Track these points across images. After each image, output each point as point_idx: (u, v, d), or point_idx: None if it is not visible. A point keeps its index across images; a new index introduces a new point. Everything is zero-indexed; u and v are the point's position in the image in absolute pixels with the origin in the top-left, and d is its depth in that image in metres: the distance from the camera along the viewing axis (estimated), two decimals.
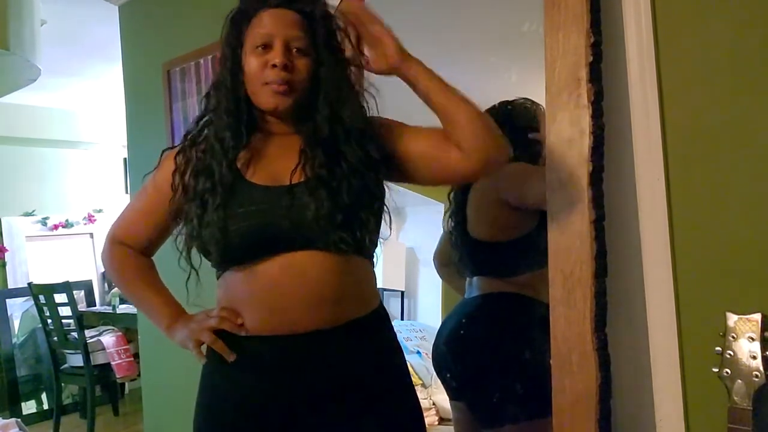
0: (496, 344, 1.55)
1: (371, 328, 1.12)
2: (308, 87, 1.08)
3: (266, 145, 1.12)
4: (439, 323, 1.86)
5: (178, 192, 1.12)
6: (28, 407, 4.23)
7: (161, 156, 1.20)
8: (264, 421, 1.07)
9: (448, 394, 1.71)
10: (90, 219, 4.89)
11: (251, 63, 1.07)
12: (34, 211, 4.59)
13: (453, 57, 1.79)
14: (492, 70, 1.79)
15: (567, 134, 1.22)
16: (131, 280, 1.24)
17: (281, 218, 1.03)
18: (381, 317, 1.16)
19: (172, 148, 1.19)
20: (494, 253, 1.58)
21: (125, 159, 3.42)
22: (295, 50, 1.06)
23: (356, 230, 1.04)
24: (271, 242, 1.03)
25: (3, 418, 2.37)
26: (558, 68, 1.24)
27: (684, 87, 1.17)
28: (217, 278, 1.14)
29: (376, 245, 1.13)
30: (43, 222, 4.63)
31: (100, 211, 4.95)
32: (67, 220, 4.76)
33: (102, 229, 4.96)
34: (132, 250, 1.23)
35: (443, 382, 1.69)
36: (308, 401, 1.06)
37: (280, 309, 1.03)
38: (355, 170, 1.06)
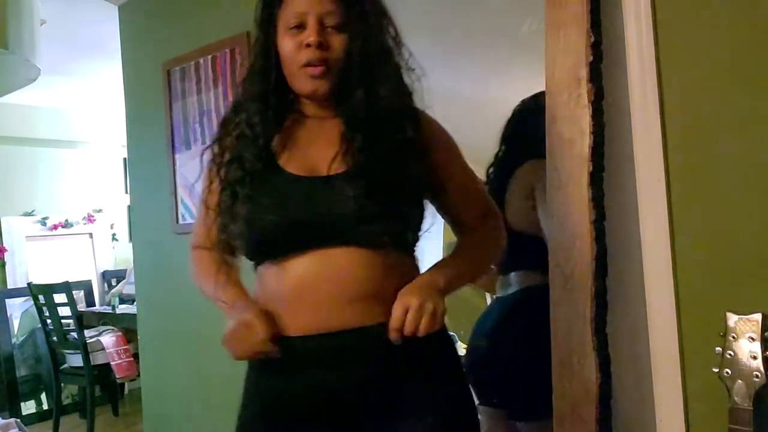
0: (541, 337, 1.50)
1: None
2: (346, 65, 1.01)
3: (303, 130, 1.07)
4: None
5: (214, 183, 1.06)
6: (28, 407, 4.22)
7: (201, 158, 1.13)
8: (297, 425, 1.01)
9: (480, 399, 1.60)
10: (89, 219, 4.89)
11: (286, 45, 1.02)
12: (33, 211, 4.59)
13: (454, 56, 1.79)
14: (492, 69, 1.79)
15: (567, 134, 1.22)
16: (199, 273, 1.17)
17: (314, 212, 0.97)
18: None
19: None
20: (535, 244, 1.49)
21: (125, 159, 3.42)
22: (329, 27, 1.01)
23: (398, 224, 0.98)
24: (302, 237, 0.97)
25: (3, 418, 2.37)
26: (558, 68, 1.24)
27: (684, 87, 1.17)
28: (255, 271, 1.08)
29: (418, 239, 1.06)
30: (43, 222, 4.62)
31: (99, 211, 4.95)
32: (66, 220, 4.75)
33: (101, 229, 4.97)
34: (208, 251, 1.15)
35: (477, 383, 1.57)
36: (346, 404, 0.99)
37: (312, 308, 0.97)
38: (396, 156, 0.99)
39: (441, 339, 1.06)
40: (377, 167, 0.98)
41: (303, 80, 1.02)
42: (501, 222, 1.20)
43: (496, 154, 1.74)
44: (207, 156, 1.11)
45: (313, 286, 0.97)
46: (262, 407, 1.05)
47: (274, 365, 1.01)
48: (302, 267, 0.98)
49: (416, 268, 1.07)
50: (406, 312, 0.94)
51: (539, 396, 1.29)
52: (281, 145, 1.05)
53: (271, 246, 1.00)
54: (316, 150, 1.03)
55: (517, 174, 1.61)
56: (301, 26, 1.01)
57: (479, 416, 1.56)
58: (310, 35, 0.99)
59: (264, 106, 1.04)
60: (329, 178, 0.99)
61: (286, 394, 1.01)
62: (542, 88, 1.29)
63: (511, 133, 1.72)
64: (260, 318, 0.97)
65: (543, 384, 1.27)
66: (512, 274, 1.63)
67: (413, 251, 1.07)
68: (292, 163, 1.03)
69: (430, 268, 1.06)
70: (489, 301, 2.16)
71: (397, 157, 0.99)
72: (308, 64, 1.00)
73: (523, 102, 1.71)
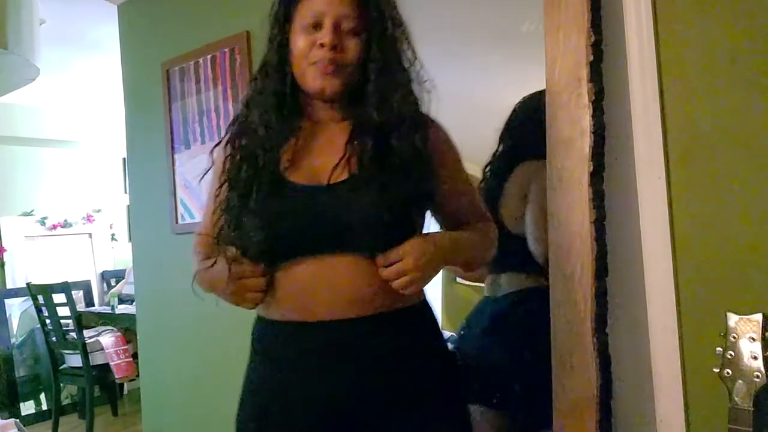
0: (535, 342, 1.42)
1: (407, 322, 1.04)
2: (358, 70, 1.02)
3: (312, 136, 1.06)
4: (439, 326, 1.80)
5: (225, 184, 1.05)
6: (27, 408, 4.22)
7: (211, 155, 1.12)
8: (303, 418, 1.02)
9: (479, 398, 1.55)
10: (89, 219, 4.89)
11: (299, 42, 1.01)
12: (32, 210, 4.59)
13: (453, 56, 1.79)
14: (492, 69, 1.79)
15: (567, 134, 1.22)
16: (199, 259, 1.14)
17: (314, 221, 0.97)
18: (420, 313, 1.09)
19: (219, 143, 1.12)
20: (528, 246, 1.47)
21: (124, 158, 3.42)
22: (346, 30, 1.01)
23: (401, 233, 0.97)
24: (302, 246, 0.98)
25: (2, 419, 2.37)
26: (558, 68, 1.24)
27: (684, 86, 1.17)
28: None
29: None
30: (42, 222, 4.62)
31: (98, 210, 4.95)
32: (65, 220, 4.75)
33: (101, 228, 4.96)
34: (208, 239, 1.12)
35: (474, 381, 1.51)
36: (342, 395, 1.00)
37: (310, 313, 0.99)
38: (407, 165, 0.98)
39: (445, 358, 1.12)
40: (385, 174, 0.97)
41: (312, 77, 1.01)
42: (494, 227, 1.20)
43: (495, 153, 1.73)
44: (216, 154, 1.10)
45: (310, 294, 0.99)
46: (268, 403, 1.05)
47: (274, 360, 1.03)
48: (301, 274, 0.99)
49: None
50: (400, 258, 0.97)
51: (544, 404, 1.28)
52: (288, 152, 1.04)
53: (270, 254, 1.00)
54: (320, 157, 1.03)
55: (516, 172, 1.60)
56: (317, 26, 1.00)
57: (477, 416, 1.53)
58: (325, 36, 0.99)
59: (279, 102, 1.03)
60: (330, 187, 0.99)
61: (290, 387, 1.01)
62: (542, 88, 1.28)
63: (510, 132, 1.71)
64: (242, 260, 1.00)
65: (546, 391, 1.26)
66: (503, 276, 1.61)
67: None
68: (295, 172, 1.02)
69: (440, 231, 1.10)
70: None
71: (406, 165, 0.99)
72: (319, 62, 1.00)
73: (523, 100, 1.70)
